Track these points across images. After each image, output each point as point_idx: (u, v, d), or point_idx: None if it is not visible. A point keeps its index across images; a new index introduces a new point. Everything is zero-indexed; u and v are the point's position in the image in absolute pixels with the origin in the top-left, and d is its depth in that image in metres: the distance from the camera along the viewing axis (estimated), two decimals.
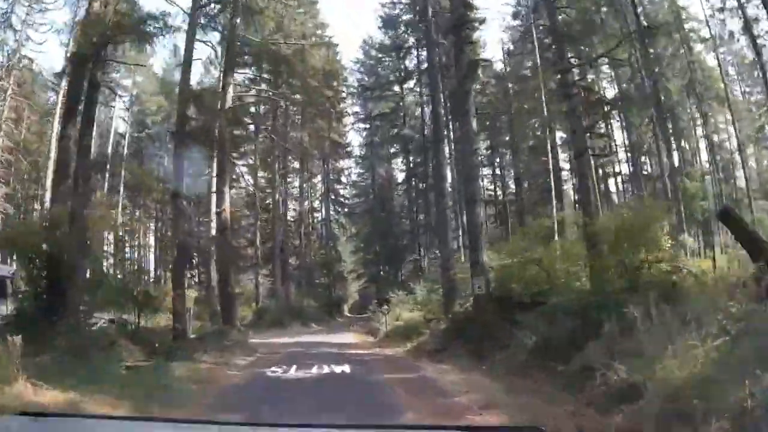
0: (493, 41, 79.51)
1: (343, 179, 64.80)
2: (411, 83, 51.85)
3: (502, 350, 13.76)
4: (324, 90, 48.92)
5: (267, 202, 51.46)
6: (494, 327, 14.85)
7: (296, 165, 57.47)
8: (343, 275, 65.75)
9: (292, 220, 56.65)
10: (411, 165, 55.40)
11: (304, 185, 58.60)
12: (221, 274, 26.98)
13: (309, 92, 46.36)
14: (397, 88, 53.23)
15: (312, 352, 19.97)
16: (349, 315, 70.01)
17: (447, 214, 23.85)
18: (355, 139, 67.57)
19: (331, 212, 61.63)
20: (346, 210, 64.61)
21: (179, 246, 18.56)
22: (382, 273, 60.32)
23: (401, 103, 53.33)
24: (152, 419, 4.67)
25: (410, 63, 51.21)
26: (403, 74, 51.95)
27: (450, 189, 38.95)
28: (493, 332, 14.74)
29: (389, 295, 32.55)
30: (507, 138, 48.70)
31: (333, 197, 62.49)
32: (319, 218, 62.86)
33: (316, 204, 63.11)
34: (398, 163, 60.87)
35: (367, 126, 59.48)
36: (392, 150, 59.41)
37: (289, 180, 56.01)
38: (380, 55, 54.41)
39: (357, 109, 59.62)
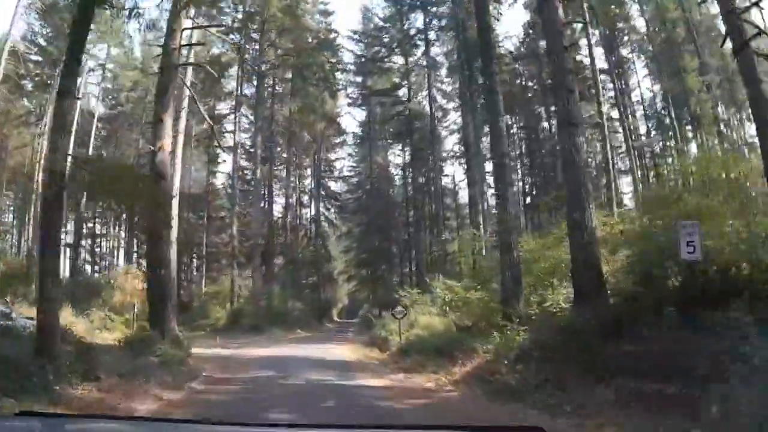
0: None
1: (335, 174, 56.98)
2: (419, 52, 43.51)
3: (709, 395, 5.82)
4: (317, 55, 41.08)
5: (248, 184, 43.31)
6: (674, 345, 6.85)
7: (284, 153, 49.38)
8: (332, 276, 57.59)
9: (279, 215, 48.44)
10: (412, 151, 46.97)
11: (292, 175, 50.23)
12: (148, 246, 18.82)
13: (300, 52, 38.61)
14: (401, 60, 44.96)
15: (290, 382, 11.88)
16: (338, 320, 62.01)
17: (507, 163, 15.73)
18: (350, 125, 59.65)
19: (321, 208, 53.30)
20: (338, 204, 56.50)
21: (47, 182, 10.14)
22: (378, 273, 52.27)
23: (405, 81, 45.03)
24: (152, 419, 4.36)
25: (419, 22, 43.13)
26: (411, 37, 43.35)
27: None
28: (676, 356, 6.77)
29: (400, 295, 24.35)
30: None
31: (323, 192, 54.37)
32: (308, 214, 54.54)
33: (305, 199, 54.60)
34: (395, 153, 52.89)
35: (365, 107, 51.20)
36: (391, 137, 50.90)
37: (275, 170, 47.42)
38: (383, 23, 46.18)
39: (352, 90, 51.57)
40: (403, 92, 45.36)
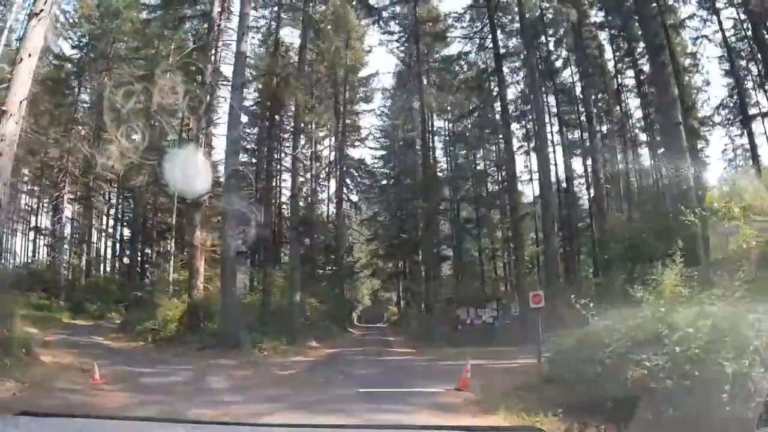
0: None
1: (362, 136, 42.20)
2: None
3: None
4: None
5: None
6: None
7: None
8: (353, 270, 42.58)
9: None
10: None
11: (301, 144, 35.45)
12: None
13: None
14: None
15: None
16: (361, 325, 47.37)
17: None
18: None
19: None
20: (364, 179, 41.85)
21: None
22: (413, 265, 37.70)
23: None
24: (152, 419, 4.20)
25: None
26: None
27: None
28: None
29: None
30: None
31: (344, 167, 39.65)
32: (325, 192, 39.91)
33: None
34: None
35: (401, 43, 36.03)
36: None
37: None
38: None
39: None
40: None
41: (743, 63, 28.74)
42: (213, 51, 23.15)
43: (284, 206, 33.71)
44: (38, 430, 2.48)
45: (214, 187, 21.54)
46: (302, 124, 23.59)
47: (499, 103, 28.50)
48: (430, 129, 34.14)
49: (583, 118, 29.25)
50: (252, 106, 33.18)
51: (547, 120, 28.51)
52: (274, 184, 29.48)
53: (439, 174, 35.27)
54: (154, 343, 18.65)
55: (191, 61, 22.24)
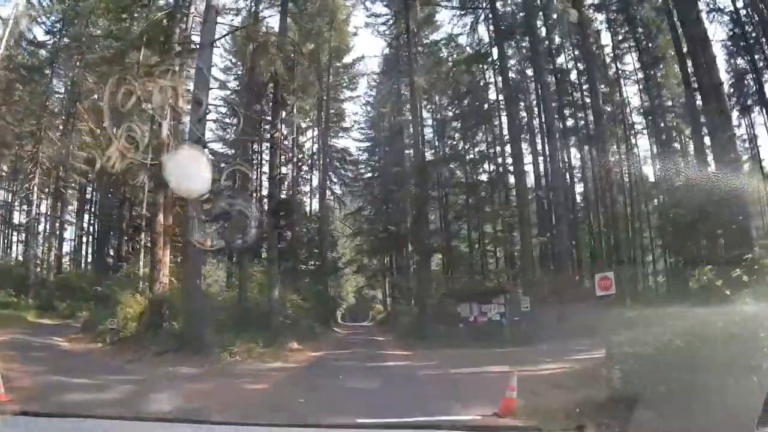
0: None
1: (346, 124, 39.70)
2: None
3: None
4: None
5: None
6: None
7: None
8: (337, 267, 39.97)
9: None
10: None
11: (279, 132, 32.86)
12: None
13: None
14: None
15: None
16: (346, 324, 44.84)
17: None
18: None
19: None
20: (348, 172, 39.56)
21: None
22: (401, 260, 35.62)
23: None
24: (152, 419, 4.29)
25: None
26: None
27: None
28: None
29: None
30: None
31: (328, 159, 37.20)
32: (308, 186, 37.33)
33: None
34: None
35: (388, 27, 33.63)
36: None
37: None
38: None
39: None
40: None
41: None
42: (185, 18, 20.43)
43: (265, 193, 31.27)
44: (38, 430, 2.45)
45: None
46: (282, 96, 20.92)
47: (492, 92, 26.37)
48: (420, 113, 31.55)
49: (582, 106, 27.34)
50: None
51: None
52: (254, 170, 26.77)
53: (431, 158, 32.83)
54: (112, 345, 16.03)
55: (160, 30, 19.59)
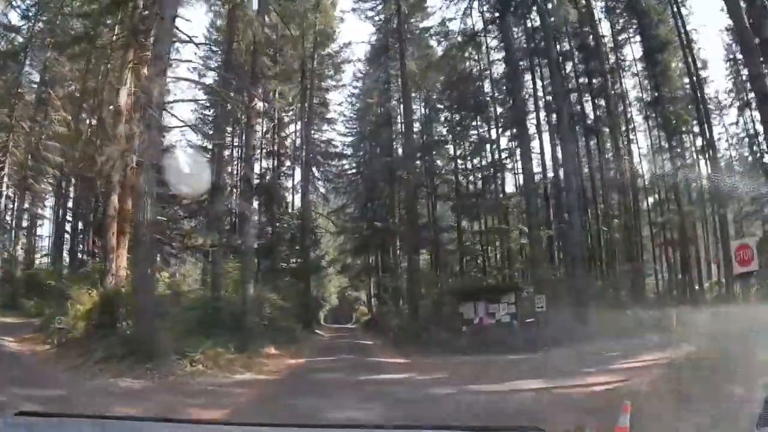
0: None
1: (331, 114, 37.21)
2: None
3: None
4: None
5: None
6: None
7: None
8: (320, 265, 37.35)
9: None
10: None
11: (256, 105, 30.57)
12: None
13: None
14: None
15: None
16: (329, 326, 42.34)
17: None
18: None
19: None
20: (332, 168, 37.22)
21: None
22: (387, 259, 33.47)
23: None
24: (152, 419, 3.98)
25: None
26: None
27: None
28: None
29: None
30: None
31: (311, 153, 34.77)
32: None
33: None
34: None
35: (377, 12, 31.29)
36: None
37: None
38: None
39: None
40: None
41: None
42: None
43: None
44: (38, 430, 2.40)
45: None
46: (261, 71, 18.47)
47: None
48: (409, 100, 29.10)
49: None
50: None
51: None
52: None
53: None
54: (59, 347, 13.60)
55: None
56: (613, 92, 26.14)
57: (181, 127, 18.47)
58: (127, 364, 10.05)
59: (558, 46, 27.19)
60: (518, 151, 21.68)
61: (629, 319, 14.90)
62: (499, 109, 26.47)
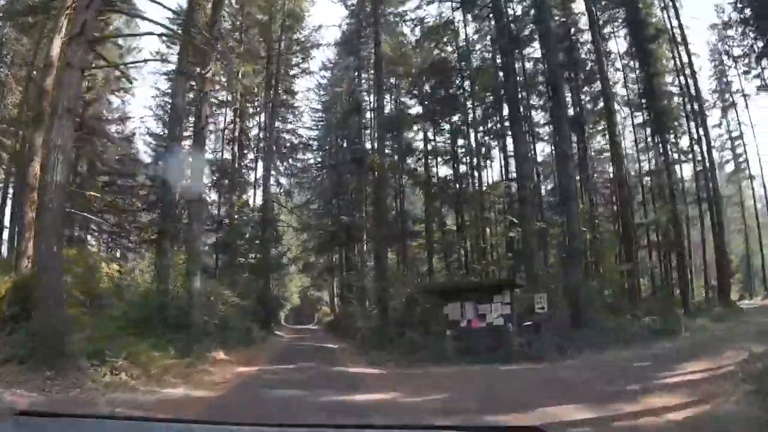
0: None
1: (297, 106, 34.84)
2: None
3: None
4: None
5: None
6: None
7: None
8: (281, 264, 34.76)
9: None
10: None
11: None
12: None
13: None
14: None
15: None
16: (290, 326, 39.93)
17: None
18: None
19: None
20: (297, 162, 35.00)
21: None
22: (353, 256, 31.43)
23: None
24: (152, 419, 3.76)
25: None
26: None
27: None
28: None
29: None
30: None
31: (275, 146, 32.45)
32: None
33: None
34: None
35: None
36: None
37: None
38: None
39: None
40: None
41: None
42: None
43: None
44: (38, 430, 2.35)
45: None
46: (219, 31, 15.98)
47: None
48: (382, 85, 26.80)
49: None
50: None
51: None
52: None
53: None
54: None
55: None
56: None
57: (108, 66, 15.60)
58: (28, 370, 7.59)
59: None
60: (509, 133, 19.67)
61: (630, 323, 13.16)
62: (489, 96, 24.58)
